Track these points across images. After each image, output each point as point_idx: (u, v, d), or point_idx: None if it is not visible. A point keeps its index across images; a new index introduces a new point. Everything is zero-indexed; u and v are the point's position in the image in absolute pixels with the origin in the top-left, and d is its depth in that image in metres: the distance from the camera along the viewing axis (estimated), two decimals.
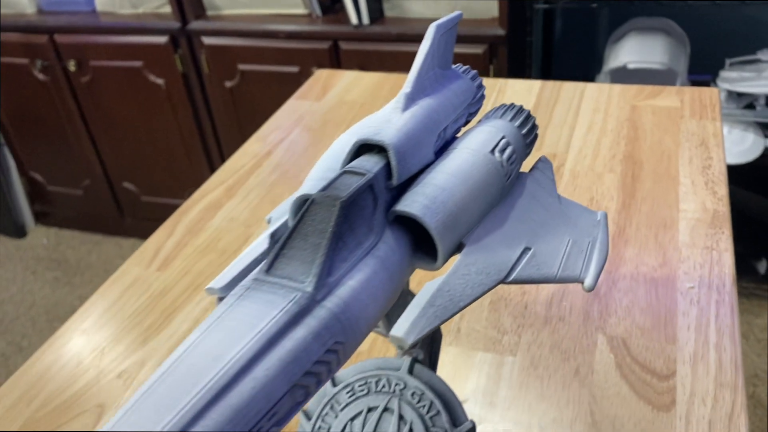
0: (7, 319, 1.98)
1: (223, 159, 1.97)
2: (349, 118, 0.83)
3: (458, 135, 0.39)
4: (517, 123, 0.38)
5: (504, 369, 0.49)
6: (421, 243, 0.33)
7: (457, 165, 0.34)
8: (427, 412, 0.40)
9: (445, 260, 0.33)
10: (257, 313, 0.26)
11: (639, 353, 0.49)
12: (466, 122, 0.40)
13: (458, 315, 0.53)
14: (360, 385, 0.42)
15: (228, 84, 1.78)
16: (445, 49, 0.38)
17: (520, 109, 0.39)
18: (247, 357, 0.25)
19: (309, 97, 0.89)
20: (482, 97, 0.41)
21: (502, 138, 0.36)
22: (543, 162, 0.40)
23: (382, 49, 1.64)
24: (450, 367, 0.51)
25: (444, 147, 0.36)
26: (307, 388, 0.26)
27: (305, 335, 0.26)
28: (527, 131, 0.39)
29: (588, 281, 0.33)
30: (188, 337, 0.26)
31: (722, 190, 0.64)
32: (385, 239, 0.31)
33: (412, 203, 0.32)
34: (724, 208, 0.61)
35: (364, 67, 1.66)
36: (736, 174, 1.43)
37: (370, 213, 0.31)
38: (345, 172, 0.32)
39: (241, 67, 1.74)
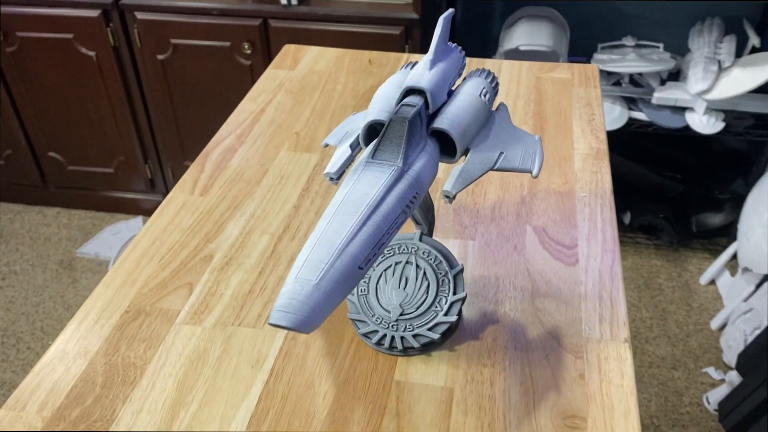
0: None
1: (151, 128, 2.06)
2: (321, 84, 1.04)
3: (453, 87, 0.62)
4: (489, 80, 0.62)
5: (468, 248, 0.74)
6: (444, 148, 0.56)
7: (462, 101, 0.57)
8: (434, 261, 0.63)
9: (459, 157, 0.56)
10: (377, 176, 0.49)
11: (554, 235, 0.75)
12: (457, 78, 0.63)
13: (436, 218, 0.76)
14: (388, 251, 0.65)
15: (160, 57, 1.85)
16: (447, 32, 0.61)
17: (489, 72, 0.63)
18: (381, 194, 0.47)
19: (284, 67, 1.09)
20: (465, 64, 0.64)
21: (484, 88, 0.60)
22: (503, 105, 0.64)
23: (309, 27, 1.78)
24: None
25: (450, 93, 0.60)
26: (406, 214, 0.49)
27: (403, 187, 0.49)
28: (495, 85, 0.63)
29: (534, 171, 0.57)
30: (340, 189, 0.48)
31: (602, 135, 0.91)
32: (429, 143, 0.54)
33: (441, 123, 0.55)
34: (603, 147, 0.89)
35: (292, 43, 1.82)
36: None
37: (420, 127, 0.54)
38: (403, 105, 0.54)
39: (174, 41, 1.81)
